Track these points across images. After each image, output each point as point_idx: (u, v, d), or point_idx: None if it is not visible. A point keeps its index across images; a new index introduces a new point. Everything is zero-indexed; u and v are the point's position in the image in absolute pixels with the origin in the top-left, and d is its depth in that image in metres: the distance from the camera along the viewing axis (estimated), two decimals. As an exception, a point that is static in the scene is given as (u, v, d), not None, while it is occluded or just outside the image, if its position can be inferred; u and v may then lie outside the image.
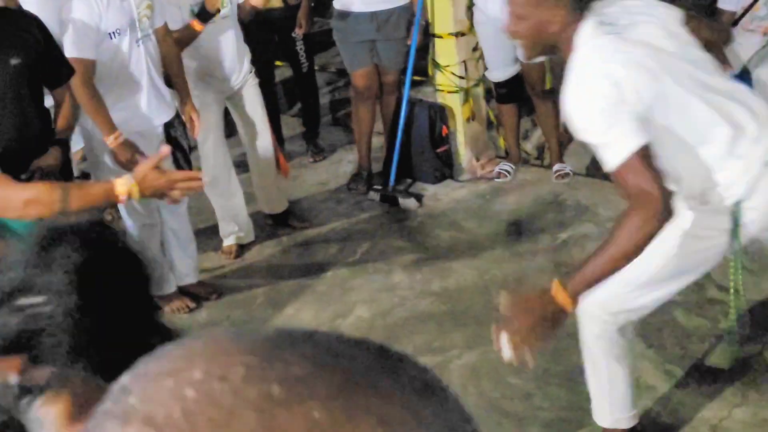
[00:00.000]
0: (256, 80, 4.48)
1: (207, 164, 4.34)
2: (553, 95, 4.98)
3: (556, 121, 4.97)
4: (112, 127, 3.58)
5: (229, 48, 4.25)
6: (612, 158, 2.30)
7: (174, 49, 3.95)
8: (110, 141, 3.58)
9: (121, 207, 3.93)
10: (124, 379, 0.45)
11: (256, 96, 4.46)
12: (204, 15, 4.07)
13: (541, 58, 4.74)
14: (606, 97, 2.29)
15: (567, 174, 4.92)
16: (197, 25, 4.07)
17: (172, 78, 3.98)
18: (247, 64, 4.39)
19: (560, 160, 4.99)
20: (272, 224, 4.73)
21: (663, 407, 3.25)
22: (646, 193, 2.27)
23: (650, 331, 3.64)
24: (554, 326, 2.38)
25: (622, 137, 2.28)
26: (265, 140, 4.55)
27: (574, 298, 2.35)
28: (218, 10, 4.07)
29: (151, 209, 3.93)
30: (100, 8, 3.56)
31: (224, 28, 4.21)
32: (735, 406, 3.21)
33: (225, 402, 0.41)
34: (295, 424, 0.40)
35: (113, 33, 3.61)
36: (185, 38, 4.06)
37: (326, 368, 0.43)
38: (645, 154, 2.27)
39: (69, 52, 3.51)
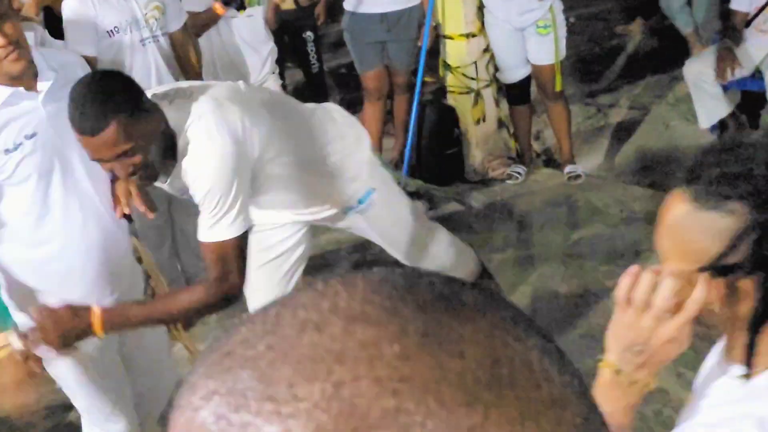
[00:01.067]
0: (279, 81, 4.46)
1: None
2: (563, 96, 4.97)
3: (567, 123, 4.95)
4: None
5: (257, 48, 4.22)
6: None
7: (193, 53, 3.88)
8: None
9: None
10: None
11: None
12: None
13: (549, 60, 4.73)
14: None
15: (579, 175, 4.89)
16: (219, 8, 4.02)
17: (188, 77, 3.95)
18: (272, 64, 4.35)
19: (572, 161, 4.96)
20: None
21: (674, 410, 3.22)
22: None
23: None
24: (77, 340, 2.36)
25: None
26: None
27: (107, 328, 2.34)
28: None
29: (161, 211, 3.92)
30: (94, 3, 3.53)
31: (252, 28, 4.19)
32: (748, 410, 3.18)
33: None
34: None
35: (111, 31, 3.58)
36: (205, 21, 4.00)
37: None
38: None
39: (69, 49, 3.51)
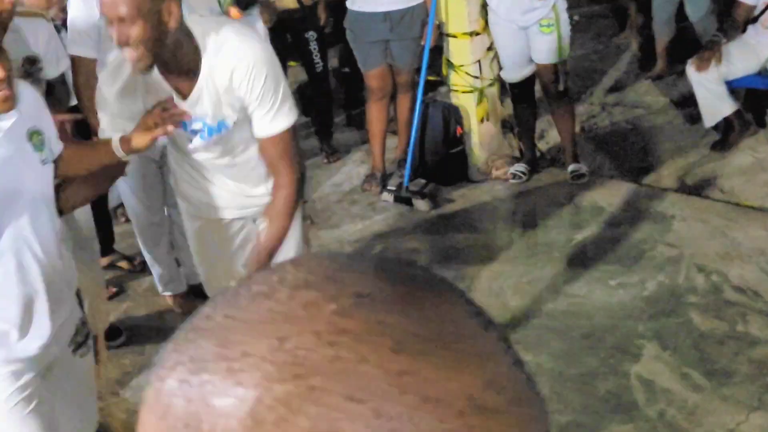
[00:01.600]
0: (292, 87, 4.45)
1: None
2: (568, 96, 4.95)
3: (571, 122, 4.93)
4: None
5: None
6: None
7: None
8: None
9: (128, 207, 3.93)
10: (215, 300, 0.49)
11: None
12: (245, 1, 3.99)
13: (552, 59, 4.71)
14: None
15: (582, 175, 4.87)
16: (235, 13, 3.94)
17: None
18: None
19: (576, 160, 4.94)
20: None
21: (679, 410, 3.21)
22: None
23: (666, 333, 3.60)
24: None
25: None
26: None
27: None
28: None
29: (157, 208, 3.92)
30: (98, 6, 3.53)
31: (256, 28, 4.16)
32: (752, 411, 3.16)
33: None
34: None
35: None
36: None
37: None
38: None
39: (69, 49, 3.51)
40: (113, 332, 3.87)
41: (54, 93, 3.34)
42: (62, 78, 3.40)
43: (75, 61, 3.50)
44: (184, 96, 2.55)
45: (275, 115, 2.56)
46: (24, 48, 3.19)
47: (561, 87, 4.80)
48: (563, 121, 4.90)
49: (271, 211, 2.66)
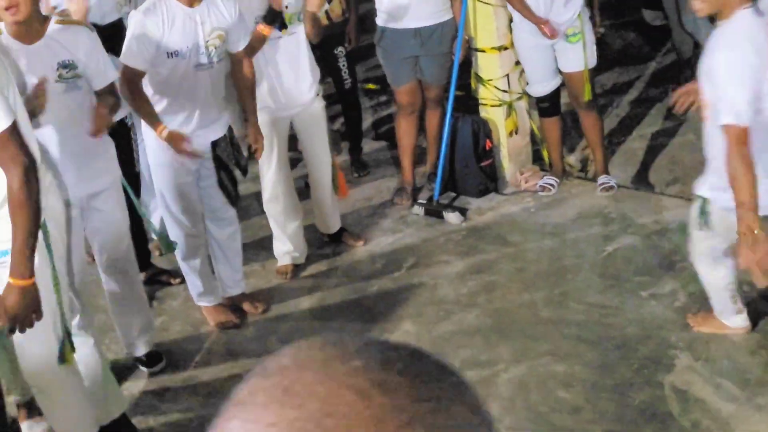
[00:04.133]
0: (323, 102, 4.49)
1: (267, 181, 4.38)
2: (596, 106, 4.97)
3: (600, 132, 4.96)
4: (157, 121, 3.67)
5: (298, 66, 4.25)
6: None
7: (250, 72, 3.94)
8: (159, 134, 3.66)
9: (166, 218, 3.99)
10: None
11: (322, 117, 4.46)
12: (271, 16, 4.03)
13: (581, 67, 4.74)
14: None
15: (612, 187, 4.90)
16: (264, 28, 4.03)
17: (242, 99, 3.99)
18: (315, 84, 4.39)
19: (605, 172, 4.97)
20: (328, 241, 4.76)
21: (713, 421, 3.23)
22: None
23: (698, 344, 3.62)
24: None
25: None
26: (326, 160, 4.55)
27: None
28: (286, 7, 4.05)
29: (195, 220, 3.99)
30: (165, 27, 3.62)
31: (293, 46, 4.22)
32: (787, 420, 3.17)
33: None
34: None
35: (171, 53, 3.67)
36: (254, 44, 4.01)
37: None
38: None
39: (122, 57, 3.62)
40: (153, 357, 3.92)
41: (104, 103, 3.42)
42: (111, 88, 3.46)
43: (123, 66, 3.60)
44: None
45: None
46: (60, 53, 3.28)
47: (587, 97, 4.84)
48: (592, 131, 4.93)
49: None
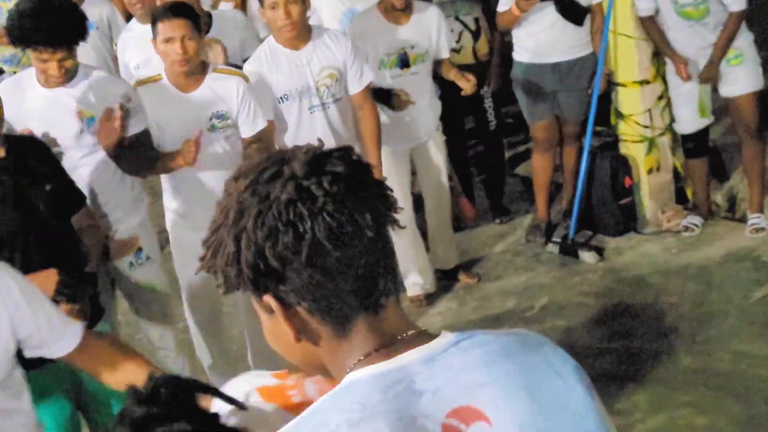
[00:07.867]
0: (443, 137, 4.48)
1: None
2: (762, 136, 4.64)
3: (761, 166, 4.64)
4: None
5: (421, 103, 4.22)
6: None
7: (372, 114, 3.87)
8: None
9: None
10: None
11: (440, 151, 4.45)
12: (379, 95, 4.02)
13: (751, 87, 4.48)
14: None
15: (763, 228, 4.61)
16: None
17: (363, 140, 3.89)
18: (435, 120, 4.39)
19: (759, 211, 4.66)
20: (441, 277, 4.68)
21: None
22: None
23: (734, 385, 3.33)
24: None
25: None
26: (444, 194, 4.54)
27: None
28: (411, 47, 4.13)
29: None
30: (270, 71, 3.61)
31: (417, 83, 4.21)
32: None
33: None
34: None
35: (281, 98, 3.65)
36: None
37: None
38: None
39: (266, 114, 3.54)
40: None
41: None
42: (259, 136, 3.46)
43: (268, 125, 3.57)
44: None
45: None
46: (216, 104, 3.37)
47: (758, 123, 4.55)
48: (754, 162, 4.62)
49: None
